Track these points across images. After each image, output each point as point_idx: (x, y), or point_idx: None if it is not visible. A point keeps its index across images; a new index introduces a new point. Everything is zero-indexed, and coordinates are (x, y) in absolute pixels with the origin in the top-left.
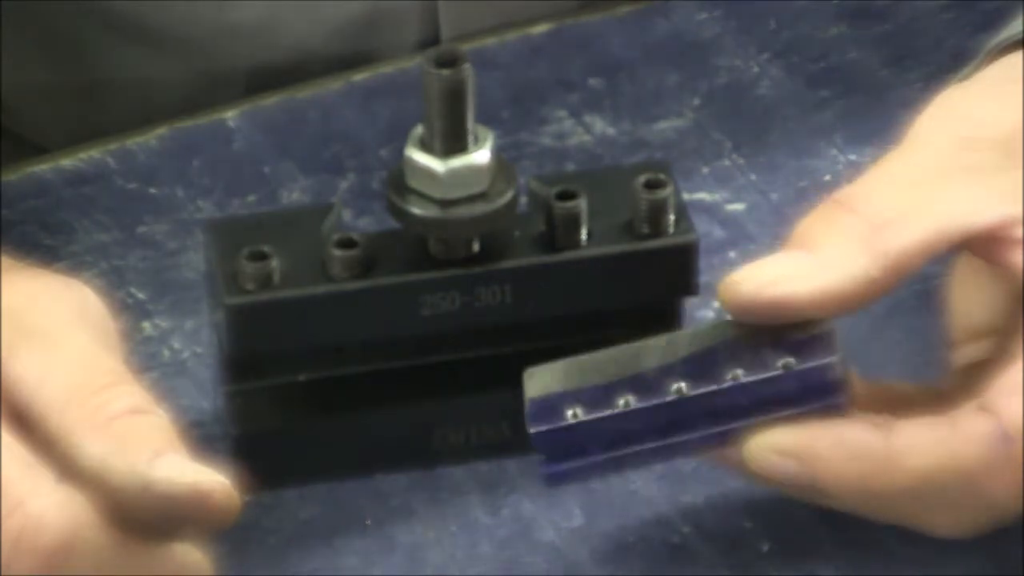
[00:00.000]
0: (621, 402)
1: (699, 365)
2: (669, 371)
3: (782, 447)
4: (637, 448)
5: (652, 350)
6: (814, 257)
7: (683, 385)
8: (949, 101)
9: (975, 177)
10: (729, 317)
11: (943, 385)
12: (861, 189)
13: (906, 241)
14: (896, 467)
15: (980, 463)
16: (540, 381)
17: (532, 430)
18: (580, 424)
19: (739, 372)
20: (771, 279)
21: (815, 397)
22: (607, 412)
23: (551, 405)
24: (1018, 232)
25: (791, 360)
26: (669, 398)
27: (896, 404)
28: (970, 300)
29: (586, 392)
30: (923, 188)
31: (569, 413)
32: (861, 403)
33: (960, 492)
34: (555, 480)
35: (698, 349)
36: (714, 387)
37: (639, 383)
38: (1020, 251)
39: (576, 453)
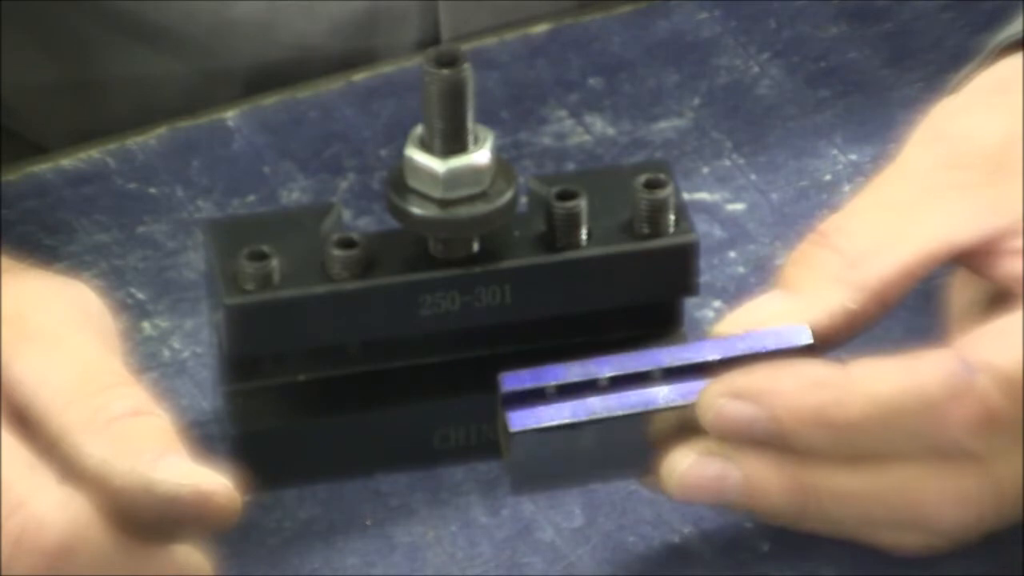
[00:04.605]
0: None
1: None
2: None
3: (738, 388)
4: (600, 398)
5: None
6: (795, 298)
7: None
8: (936, 118)
9: (960, 194)
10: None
11: None
12: (841, 221)
13: (881, 271)
14: (855, 394)
15: (940, 388)
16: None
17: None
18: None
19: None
20: (757, 324)
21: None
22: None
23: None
24: (1012, 243)
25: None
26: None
27: None
28: (969, 295)
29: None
30: (904, 212)
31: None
32: None
33: (921, 422)
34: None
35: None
36: (688, 359)
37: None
38: (1015, 262)
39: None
